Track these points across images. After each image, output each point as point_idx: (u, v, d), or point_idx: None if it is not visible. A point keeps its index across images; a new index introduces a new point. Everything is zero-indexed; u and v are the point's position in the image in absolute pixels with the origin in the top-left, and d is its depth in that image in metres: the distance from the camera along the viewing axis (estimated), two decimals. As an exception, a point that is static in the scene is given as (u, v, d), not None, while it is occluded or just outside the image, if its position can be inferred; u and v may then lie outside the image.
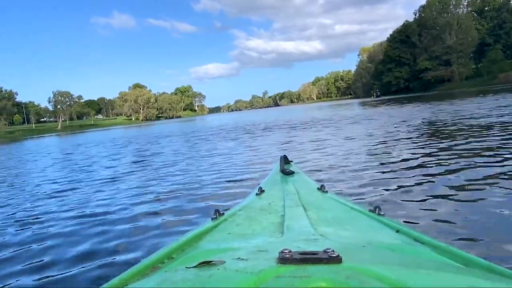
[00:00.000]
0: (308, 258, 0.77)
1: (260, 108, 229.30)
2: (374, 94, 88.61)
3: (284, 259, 0.77)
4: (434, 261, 0.96)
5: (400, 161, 5.12)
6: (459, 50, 72.82)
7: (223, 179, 5.30)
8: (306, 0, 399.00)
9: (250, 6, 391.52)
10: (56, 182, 7.05)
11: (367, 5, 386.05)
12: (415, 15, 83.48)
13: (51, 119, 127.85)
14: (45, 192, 6.06)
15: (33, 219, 4.25)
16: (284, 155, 2.61)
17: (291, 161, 2.74)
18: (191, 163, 7.60)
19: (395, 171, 4.53)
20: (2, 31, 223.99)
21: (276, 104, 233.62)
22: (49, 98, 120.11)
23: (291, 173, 2.31)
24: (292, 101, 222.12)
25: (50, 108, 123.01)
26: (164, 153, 10.74)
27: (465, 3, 77.49)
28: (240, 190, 4.42)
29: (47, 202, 5.18)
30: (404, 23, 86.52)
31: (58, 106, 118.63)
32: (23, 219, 4.30)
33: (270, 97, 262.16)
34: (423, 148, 5.95)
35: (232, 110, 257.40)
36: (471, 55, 73.56)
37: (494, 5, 75.53)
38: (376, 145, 6.95)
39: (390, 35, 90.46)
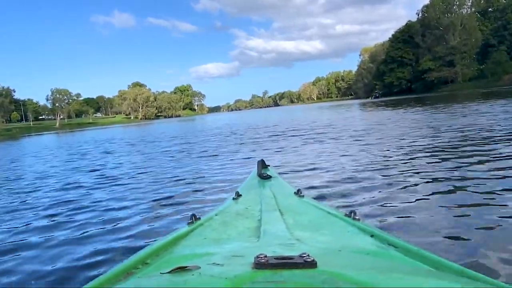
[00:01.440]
0: (283, 263, 0.77)
1: (260, 108, 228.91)
2: (373, 95, 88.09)
3: (260, 264, 0.77)
4: (407, 265, 0.97)
5: (377, 166, 5.04)
6: (463, 51, 71.83)
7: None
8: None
9: (250, 5, 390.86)
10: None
11: (368, 5, 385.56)
12: (418, 15, 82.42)
13: (49, 117, 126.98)
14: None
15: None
16: (262, 160, 2.59)
17: (269, 166, 2.64)
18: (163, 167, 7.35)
19: (371, 175, 4.51)
20: (1, 29, 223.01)
21: (276, 104, 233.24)
22: (47, 95, 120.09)
23: (269, 177, 2.28)
24: (292, 101, 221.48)
25: (49, 106, 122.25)
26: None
27: (469, 3, 76.54)
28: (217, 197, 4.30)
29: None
30: (407, 23, 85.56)
31: (57, 104, 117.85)
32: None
33: (270, 97, 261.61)
34: (402, 153, 5.84)
35: (232, 110, 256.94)
36: (475, 56, 72.52)
37: (498, 6, 74.57)
38: (356, 150, 6.84)
39: (393, 35, 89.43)
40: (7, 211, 4.68)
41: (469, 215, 2.80)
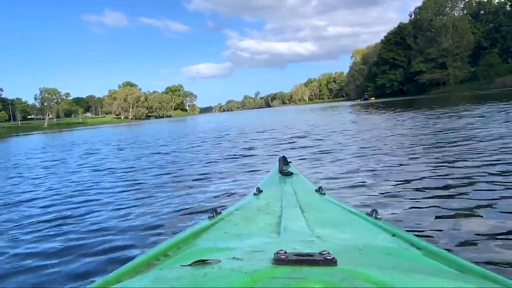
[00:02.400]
0: (303, 260, 0.77)
1: (252, 108, 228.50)
2: (362, 98, 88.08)
3: (280, 260, 0.77)
4: (429, 266, 0.95)
5: (399, 167, 5.02)
6: (455, 53, 71.51)
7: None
8: (299, 1, 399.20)
9: (243, 6, 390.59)
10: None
11: (360, 8, 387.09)
12: (411, 16, 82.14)
13: (38, 117, 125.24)
14: None
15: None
16: (283, 156, 2.58)
17: (290, 162, 2.66)
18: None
19: (393, 176, 4.50)
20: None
21: (268, 105, 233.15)
22: (36, 95, 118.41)
23: (290, 174, 2.30)
24: (284, 102, 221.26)
25: (38, 105, 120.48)
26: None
27: (461, 6, 76.39)
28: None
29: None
30: (399, 24, 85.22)
31: (45, 104, 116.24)
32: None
33: (262, 98, 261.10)
34: (424, 156, 5.68)
35: (224, 111, 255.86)
36: (467, 58, 72.33)
37: (489, 9, 74.54)
38: (375, 150, 6.73)
39: (385, 36, 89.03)
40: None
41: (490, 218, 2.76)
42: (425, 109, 18.80)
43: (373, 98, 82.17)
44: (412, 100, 38.90)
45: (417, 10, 79.10)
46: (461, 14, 75.49)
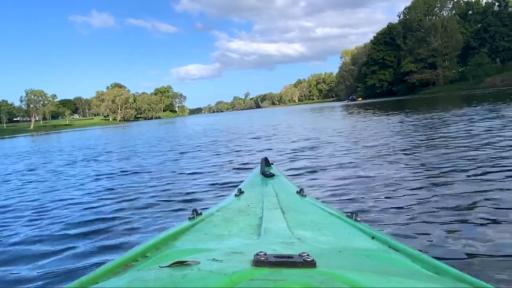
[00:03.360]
0: (283, 262, 0.77)
1: (242, 109, 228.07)
2: (350, 99, 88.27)
3: (259, 261, 0.77)
4: (407, 269, 0.96)
5: (379, 170, 5.00)
6: (444, 53, 71.49)
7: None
8: (287, 2, 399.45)
9: (231, 7, 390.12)
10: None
11: (348, 9, 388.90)
12: (399, 17, 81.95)
13: (24, 119, 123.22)
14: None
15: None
16: (265, 158, 2.58)
17: (272, 164, 2.67)
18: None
19: (374, 179, 4.48)
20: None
21: (258, 106, 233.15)
22: (21, 97, 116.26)
23: (271, 175, 2.30)
24: (273, 103, 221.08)
25: (24, 107, 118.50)
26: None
27: (450, 6, 76.41)
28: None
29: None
30: (388, 24, 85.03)
31: (31, 106, 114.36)
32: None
33: (251, 99, 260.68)
34: (404, 160, 5.64)
35: (214, 112, 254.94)
36: (456, 58, 72.35)
37: (478, 9, 74.70)
38: (357, 153, 6.71)
39: (374, 37, 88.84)
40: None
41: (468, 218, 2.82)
42: (410, 111, 18.17)
43: (360, 99, 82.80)
44: (400, 101, 38.75)
45: (406, 10, 79.00)
46: (449, 14, 75.48)
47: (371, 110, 23.00)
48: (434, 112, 15.28)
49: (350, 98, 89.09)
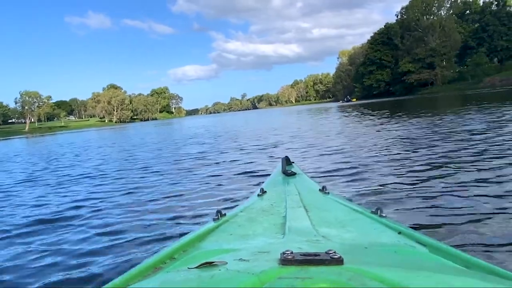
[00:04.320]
0: (309, 260, 0.77)
1: (239, 110, 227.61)
2: (345, 99, 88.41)
3: (286, 260, 0.77)
4: (435, 263, 0.96)
5: (402, 164, 5.08)
6: (443, 53, 70.91)
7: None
8: (284, 3, 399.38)
9: (228, 8, 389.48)
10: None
11: (345, 9, 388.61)
12: (397, 16, 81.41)
13: (19, 121, 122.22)
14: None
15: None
16: (286, 156, 2.58)
17: (293, 162, 2.66)
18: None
19: (398, 173, 4.51)
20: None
21: (255, 107, 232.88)
22: (16, 98, 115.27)
23: (293, 174, 2.30)
24: (270, 104, 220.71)
25: (19, 109, 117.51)
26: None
27: (448, 5, 75.91)
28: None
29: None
30: (385, 24, 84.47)
31: (26, 107, 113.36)
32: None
33: (248, 99, 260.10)
34: (429, 154, 5.74)
35: (210, 113, 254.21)
36: (454, 58, 71.86)
37: (475, 8, 74.29)
38: (379, 148, 6.89)
39: (371, 36, 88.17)
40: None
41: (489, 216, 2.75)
42: (406, 113, 17.49)
43: (355, 99, 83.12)
44: (397, 102, 38.38)
45: (404, 9, 78.44)
46: (447, 14, 74.99)
47: (360, 113, 22.57)
48: (436, 114, 14.62)
49: (345, 99, 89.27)
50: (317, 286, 0.65)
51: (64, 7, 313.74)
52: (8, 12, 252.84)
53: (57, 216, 4.33)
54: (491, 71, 62.38)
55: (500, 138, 6.36)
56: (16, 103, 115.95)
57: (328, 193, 1.87)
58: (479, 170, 4.21)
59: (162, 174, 6.69)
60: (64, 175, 8.05)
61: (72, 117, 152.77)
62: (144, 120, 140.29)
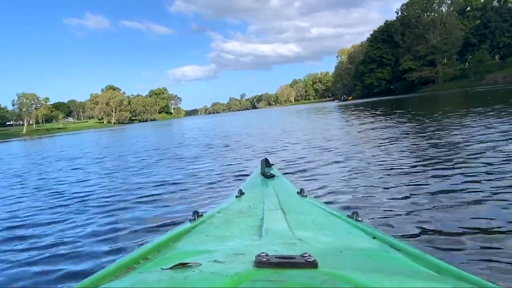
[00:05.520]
0: (284, 262, 0.77)
1: (238, 110, 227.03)
2: (341, 99, 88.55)
3: (261, 262, 0.77)
4: (408, 268, 0.97)
5: (379, 170, 4.98)
6: (444, 50, 69.79)
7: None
8: (282, 3, 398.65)
9: (226, 8, 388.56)
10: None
11: (343, 9, 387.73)
12: (397, 13, 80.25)
13: (18, 123, 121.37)
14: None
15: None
16: (265, 158, 2.58)
17: (272, 165, 2.67)
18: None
19: (374, 179, 4.49)
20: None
21: (254, 107, 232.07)
22: (13, 100, 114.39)
23: (272, 176, 2.30)
24: (269, 104, 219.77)
25: (17, 111, 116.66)
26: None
27: (448, 1, 74.90)
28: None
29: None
30: (386, 22, 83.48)
31: (23, 109, 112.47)
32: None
33: (247, 99, 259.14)
34: (406, 157, 5.75)
35: (210, 113, 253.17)
36: (455, 55, 70.90)
37: (476, 5, 73.35)
38: (356, 154, 6.69)
39: (371, 34, 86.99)
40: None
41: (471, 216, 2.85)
42: (402, 113, 16.75)
43: (350, 98, 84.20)
44: (394, 101, 37.74)
45: (404, 6, 77.40)
46: (448, 10, 74.00)
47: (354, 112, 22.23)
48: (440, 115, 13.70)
49: (341, 98, 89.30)
50: None
51: (62, 8, 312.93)
52: (6, 13, 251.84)
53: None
54: (494, 68, 61.38)
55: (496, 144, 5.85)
56: (13, 105, 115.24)
57: (306, 196, 1.87)
58: (459, 175, 4.15)
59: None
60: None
61: (70, 119, 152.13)
62: (143, 121, 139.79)
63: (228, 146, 10.96)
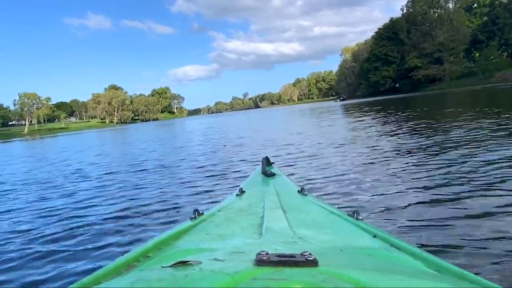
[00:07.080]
0: (285, 261, 0.77)
1: (241, 110, 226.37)
2: (340, 98, 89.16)
3: (261, 261, 0.77)
4: (408, 267, 0.97)
5: (380, 169, 5.04)
6: (451, 47, 68.41)
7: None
8: (284, 2, 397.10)
9: (228, 7, 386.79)
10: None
11: (345, 7, 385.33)
12: (403, 10, 78.93)
13: (20, 123, 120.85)
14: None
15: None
16: (266, 157, 2.57)
17: (273, 163, 2.67)
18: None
19: (375, 178, 4.51)
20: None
21: (257, 106, 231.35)
22: (15, 100, 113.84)
23: (272, 175, 2.31)
24: (272, 103, 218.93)
25: (18, 111, 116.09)
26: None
27: (455, -2, 73.55)
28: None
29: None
30: (391, 19, 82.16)
31: (25, 109, 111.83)
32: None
33: (250, 99, 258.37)
34: (405, 157, 5.75)
35: (212, 112, 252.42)
36: (463, 53, 69.55)
37: (483, 1, 71.96)
38: (359, 153, 6.70)
39: (376, 32, 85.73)
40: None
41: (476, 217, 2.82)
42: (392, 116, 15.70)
43: (349, 99, 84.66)
44: (400, 100, 36.75)
45: (410, 3, 76.00)
46: (455, 7, 72.62)
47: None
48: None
49: (341, 98, 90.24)
50: (290, 287, 0.65)
51: (64, 8, 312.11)
52: (7, 13, 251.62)
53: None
54: (503, 66, 59.98)
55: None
56: (15, 105, 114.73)
57: (307, 194, 1.86)
58: (462, 175, 4.10)
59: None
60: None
61: (73, 119, 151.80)
62: (145, 121, 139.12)
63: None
